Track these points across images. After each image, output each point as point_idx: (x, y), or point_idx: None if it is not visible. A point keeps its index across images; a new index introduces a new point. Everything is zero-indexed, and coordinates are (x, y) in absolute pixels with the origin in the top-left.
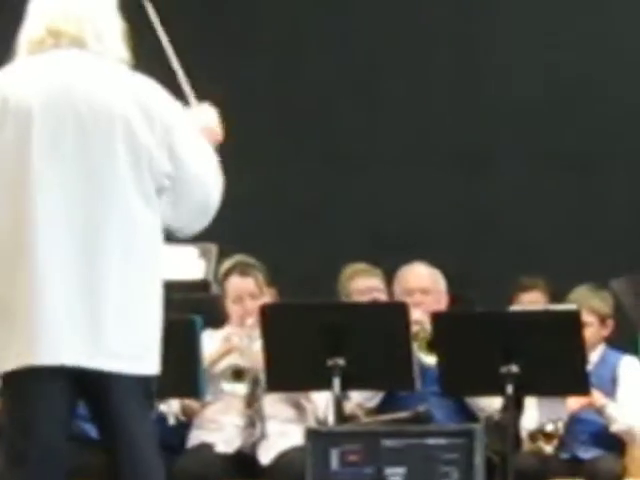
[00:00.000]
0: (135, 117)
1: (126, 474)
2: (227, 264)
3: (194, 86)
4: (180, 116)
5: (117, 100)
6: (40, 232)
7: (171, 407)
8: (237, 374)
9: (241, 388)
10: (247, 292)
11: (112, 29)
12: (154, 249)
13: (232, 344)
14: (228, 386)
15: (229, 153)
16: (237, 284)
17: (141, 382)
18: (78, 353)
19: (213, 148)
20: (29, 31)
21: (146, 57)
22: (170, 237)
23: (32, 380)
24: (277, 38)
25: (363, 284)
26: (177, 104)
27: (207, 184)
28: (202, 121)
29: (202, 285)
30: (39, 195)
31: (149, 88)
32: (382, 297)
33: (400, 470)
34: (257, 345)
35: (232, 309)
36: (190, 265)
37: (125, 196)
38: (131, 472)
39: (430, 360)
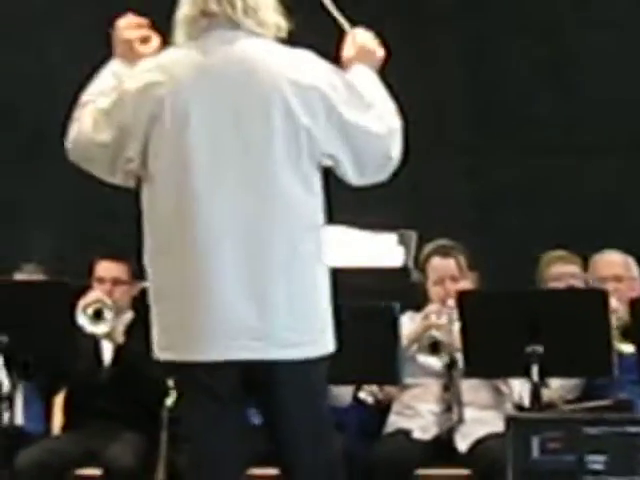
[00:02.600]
0: (293, 99)
1: (299, 461)
2: (430, 246)
3: None
4: (343, 84)
5: (273, 80)
6: (203, 224)
7: (370, 387)
8: (434, 347)
9: (436, 362)
10: (448, 273)
11: (264, 1)
12: (316, 232)
13: (430, 322)
14: (423, 358)
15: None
16: (438, 265)
17: (312, 367)
18: (250, 348)
19: (375, 68)
20: (183, 11)
21: None
22: (369, 226)
23: (203, 372)
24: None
25: (559, 270)
26: (338, 71)
27: (386, 139)
28: (359, 43)
29: (401, 272)
30: (200, 189)
31: (307, 63)
32: (579, 284)
33: (601, 458)
34: (456, 326)
35: (433, 290)
36: (390, 252)
37: (285, 182)
38: (308, 459)
39: (627, 349)
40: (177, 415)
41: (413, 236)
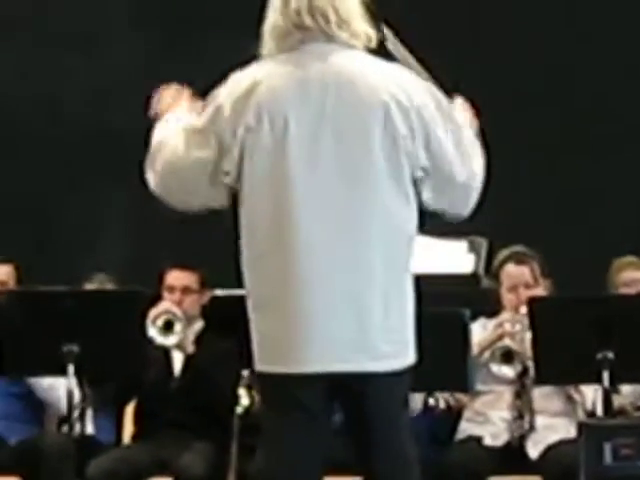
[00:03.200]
0: (391, 108)
1: (381, 470)
2: (504, 253)
3: None
4: (436, 102)
5: (371, 93)
6: (302, 234)
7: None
8: (507, 356)
9: (509, 371)
10: (522, 281)
11: (355, 12)
12: (409, 242)
13: (503, 330)
14: (496, 367)
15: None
16: (512, 272)
17: (401, 378)
18: (345, 359)
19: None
20: (273, 22)
21: None
22: (440, 232)
23: (294, 384)
24: None
25: (629, 276)
26: (432, 88)
27: (466, 172)
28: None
29: (472, 279)
30: (298, 198)
31: (401, 75)
32: None
33: None
34: (528, 335)
35: (506, 298)
36: (460, 259)
37: (383, 192)
38: (388, 468)
39: None
40: (248, 424)
41: (483, 243)
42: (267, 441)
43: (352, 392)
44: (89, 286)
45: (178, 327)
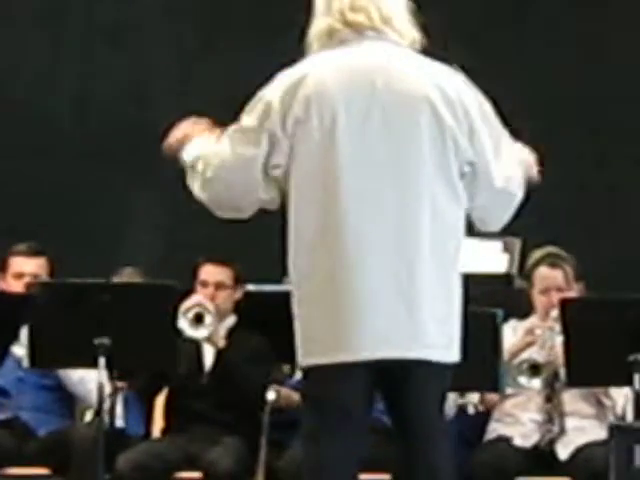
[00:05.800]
0: (437, 99)
1: (419, 466)
2: (538, 254)
3: None
4: (479, 103)
5: (418, 84)
6: (351, 226)
7: (471, 397)
8: (534, 369)
9: (537, 383)
10: (555, 284)
11: (399, 12)
12: (458, 240)
13: (533, 337)
14: (524, 380)
15: None
16: (545, 275)
17: (445, 371)
18: (395, 346)
19: (526, 182)
20: (319, 26)
21: None
22: (474, 231)
23: (340, 374)
24: None
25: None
26: (474, 89)
27: (503, 178)
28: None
29: (505, 278)
30: (347, 190)
31: (446, 73)
32: None
33: None
34: (559, 339)
35: (538, 300)
36: (493, 259)
37: (430, 183)
38: (424, 465)
39: None
40: (277, 420)
41: (517, 243)
42: (306, 439)
43: (395, 379)
44: (117, 279)
45: (208, 320)
